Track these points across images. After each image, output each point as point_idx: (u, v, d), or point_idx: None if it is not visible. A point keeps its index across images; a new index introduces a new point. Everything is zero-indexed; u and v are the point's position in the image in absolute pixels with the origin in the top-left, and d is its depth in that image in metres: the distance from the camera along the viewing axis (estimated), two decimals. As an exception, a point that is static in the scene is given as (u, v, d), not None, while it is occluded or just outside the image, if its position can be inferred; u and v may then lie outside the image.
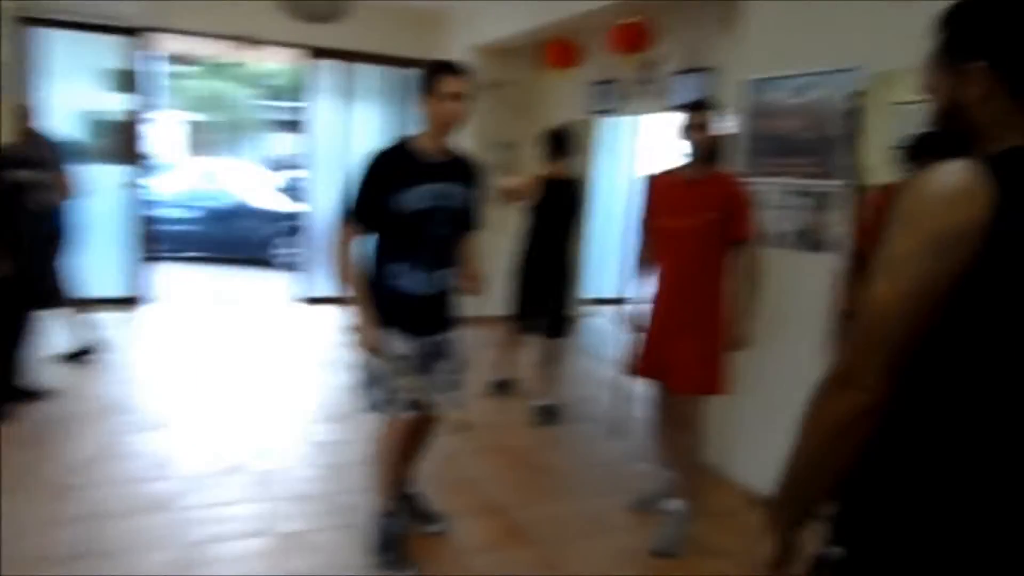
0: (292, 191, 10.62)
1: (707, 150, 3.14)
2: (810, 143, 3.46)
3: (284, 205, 10.64)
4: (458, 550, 3.03)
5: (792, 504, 1.22)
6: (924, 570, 1.08)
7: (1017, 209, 1.00)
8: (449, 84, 2.60)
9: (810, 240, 3.49)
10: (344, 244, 2.71)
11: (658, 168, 3.43)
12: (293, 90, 15.23)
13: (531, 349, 4.86)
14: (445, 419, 2.81)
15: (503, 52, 6.93)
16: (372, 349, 2.70)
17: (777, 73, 3.66)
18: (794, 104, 3.53)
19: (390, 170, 2.67)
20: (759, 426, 3.73)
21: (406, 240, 2.70)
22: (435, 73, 2.63)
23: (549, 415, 4.61)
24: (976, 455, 1.06)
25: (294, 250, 8.70)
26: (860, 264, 3.35)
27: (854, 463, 1.12)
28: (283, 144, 19.97)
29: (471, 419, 2.62)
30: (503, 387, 5.06)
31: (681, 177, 3.22)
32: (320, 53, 7.50)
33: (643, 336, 3.34)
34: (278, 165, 15.87)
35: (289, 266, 8.88)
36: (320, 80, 7.60)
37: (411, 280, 2.71)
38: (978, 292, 1.02)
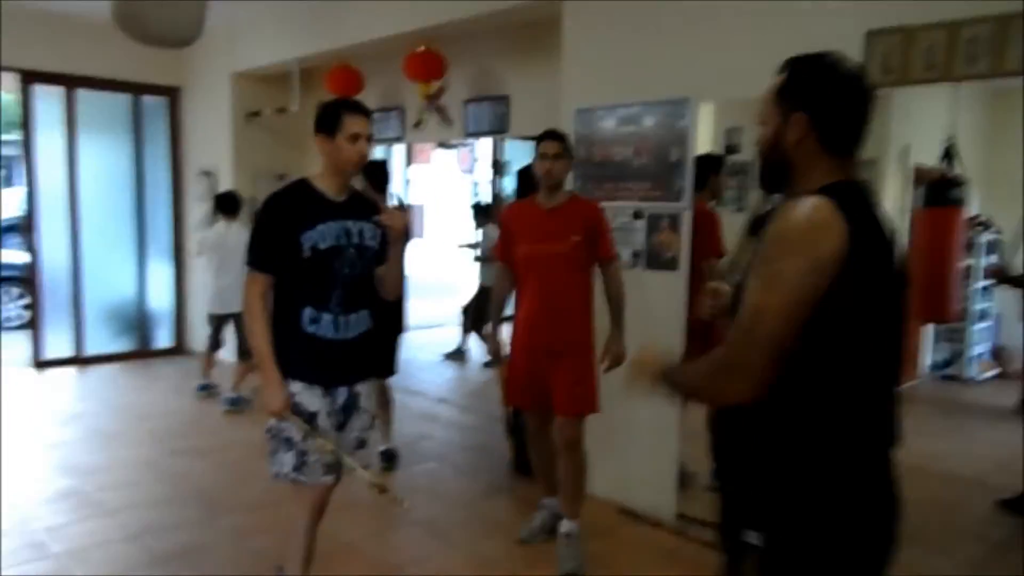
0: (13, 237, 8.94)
1: (556, 176, 3.23)
2: (644, 168, 3.69)
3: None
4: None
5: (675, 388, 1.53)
6: (836, 535, 1.36)
7: (860, 240, 1.29)
8: (354, 124, 2.44)
9: (651, 259, 3.71)
10: (256, 298, 2.47)
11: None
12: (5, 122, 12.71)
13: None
14: (360, 481, 2.53)
15: (266, 79, 6.49)
16: (278, 413, 2.43)
17: (600, 103, 3.85)
18: (626, 132, 3.74)
19: (291, 210, 2.46)
20: (616, 441, 3.88)
21: (315, 282, 2.47)
22: (339, 112, 2.45)
23: (391, 459, 4.38)
24: (848, 434, 1.36)
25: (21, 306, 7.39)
26: (698, 276, 3.67)
27: (753, 455, 1.41)
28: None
29: (384, 482, 2.43)
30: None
31: (537, 205, 3.28)
32: (33, 77, 6.40)
33: (511, 365, 3.35)
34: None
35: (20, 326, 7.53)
36: (37, 109, 6.48)
37: (324, 325, 2.48)
38: (838, 304, 1.29)
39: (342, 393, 2.58)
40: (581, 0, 3.94)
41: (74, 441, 4.74)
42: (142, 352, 7.17)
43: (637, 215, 3.75)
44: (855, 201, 1.36)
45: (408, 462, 4.45)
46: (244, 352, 5.49)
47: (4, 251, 8.19)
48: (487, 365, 7.26)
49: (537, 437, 3.44)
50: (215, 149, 6.79)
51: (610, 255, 3.29)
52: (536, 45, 4.84)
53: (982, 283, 7.16)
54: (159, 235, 7.23)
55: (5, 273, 8.32)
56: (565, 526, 3.27)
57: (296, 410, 2.46)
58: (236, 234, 5.38)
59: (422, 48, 5.08)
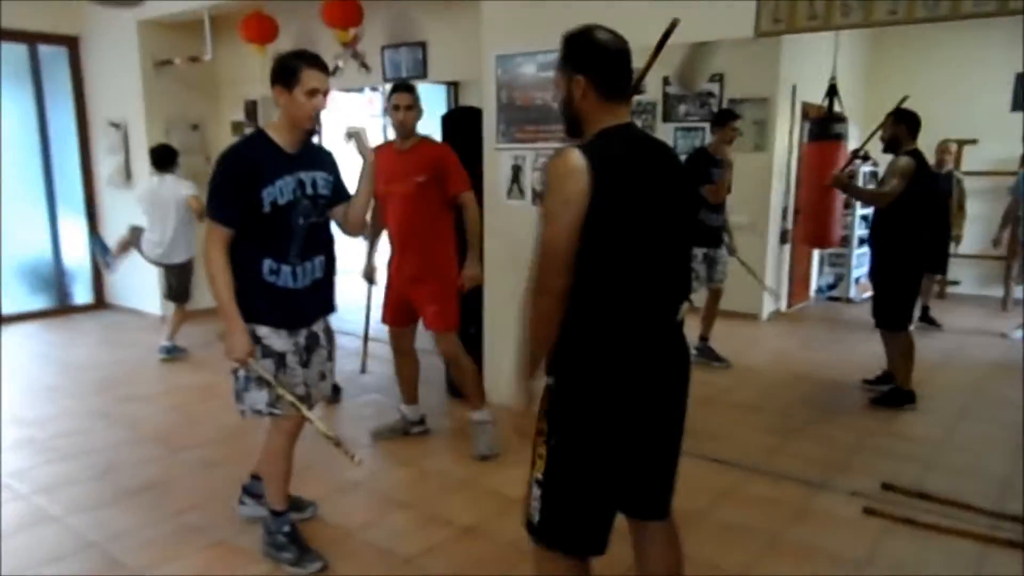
0: None
1: (408, 126, 3.65)
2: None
3: None
4: (344, 530, 3.07)
5: (529, 365, 1.90)
6: (590, 376, 1.83)
7: (600, 175, 1.72)
8: (313, 79, 2.55)
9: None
10: (219, 251, 2.57)
11: (380, 140, 3.80)
12: None
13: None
14: (317, 432, 2.73)
15: (175, 26, 6.38)
16: (241, 359, 2.62)
17: (520, 50, 4.12)
18: (546, 77, 4.01)
19: (252, 166, 2.57)
20: (503, 352, 4.29)
21: (274, 235, 2.62)
22: (296, 66, 2.55)
23: (336, 393, 4.66)
24: (605, 309, 1.80)
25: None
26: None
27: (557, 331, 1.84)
28: None
29: (334, 432, 2.76)
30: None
31: (394, 148, 3.72)
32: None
33: (386, 289, 3.85)
34: None
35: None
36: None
37: (283, 276, 2.65)
38: (591, 226, 1.73)
39: (303, 333, 2.78)
40: (498, -50, 4.16)
41: (16, 395, 4.78)
42: (62, 308, 7.09)
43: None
44: (614, 143, 1.82)
45: (351, 395, 4.74)
46: (180, 296, 5.56)
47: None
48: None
49: (400, 353, 3.97)
50: (124, 100, 6.66)
51: (459, 190, 3.68)
52: (452, -9, 5.03)
53: (861, 211, 7.89)
54: (69, 189, 7.08)
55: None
56: (475, 415, 3.81)
57: (267, 352, 2.67)
58: (170, 187, 5.40)
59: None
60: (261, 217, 2.56)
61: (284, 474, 2.86)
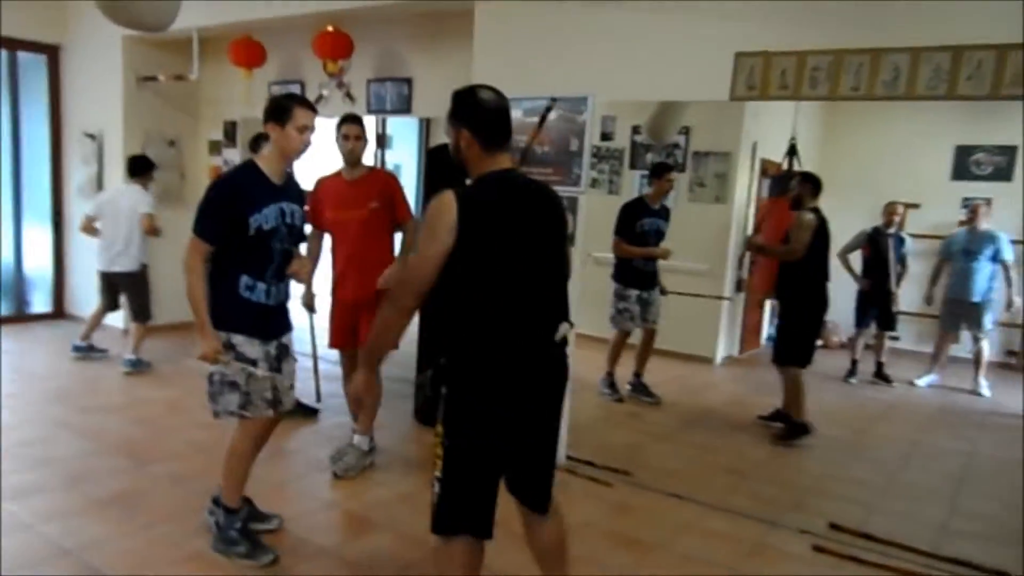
0: None
1: (357, 155, 3.85)
2: (547, 156, 4.21)
3: None
4: (319, 547, 3.15)
5: (375, 354, 2.36)
6: (472, 387, 2.14)
7: (465, 215, 2.03)
8: (304, 117, 2.84)
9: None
10: (198, 261, 2.80)
11: (324, 172, 3.99)
12: None
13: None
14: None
15: (160, 44, 6.46)
16: (212, 357, 2.83)
17: (508, 95, 4.31)
18: (531, 123, 4.23)
19: (242, 193, 2.82)
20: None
21: (254, 256, 2.86)
22: (289, 105, 2.83)
23: (309, 411, 4.79)
24: (481, 329, 2.12)
25: None
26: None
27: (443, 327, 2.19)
28: None
29: None
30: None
31: (341, 178, 3.91)
32: None
33: (332, 314, 3.99)
34: None
35: None
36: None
37: (258, 292, 2.89)
38: (460, 257, 2.05)
39: (273, 344, 2.99)
40: (492, 0, 4.39)
41: (-29, 402, 4.71)
42: (19, 316, 6.99)
43: (538, 196, 4.26)
44: (486, 187, 2.15)
45: (320, 417, 4.80)
46: (139, 314, 5.57)
47: None
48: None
49: (351, 376, 4.02)
50: (102, 111, 6.68)
51: (406, 218, 3.93)
52: (440, 32, 5.24)
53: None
54: (38, 198, 7.03)
55: None
56: (357, 439, 3.96)
57: (240, 357, 2.88)
58: (129, 197, 5.48)
59: (331, 28, 5.34)
60: (245, 239, 2.81)
61: (243, 476, 3.04)
